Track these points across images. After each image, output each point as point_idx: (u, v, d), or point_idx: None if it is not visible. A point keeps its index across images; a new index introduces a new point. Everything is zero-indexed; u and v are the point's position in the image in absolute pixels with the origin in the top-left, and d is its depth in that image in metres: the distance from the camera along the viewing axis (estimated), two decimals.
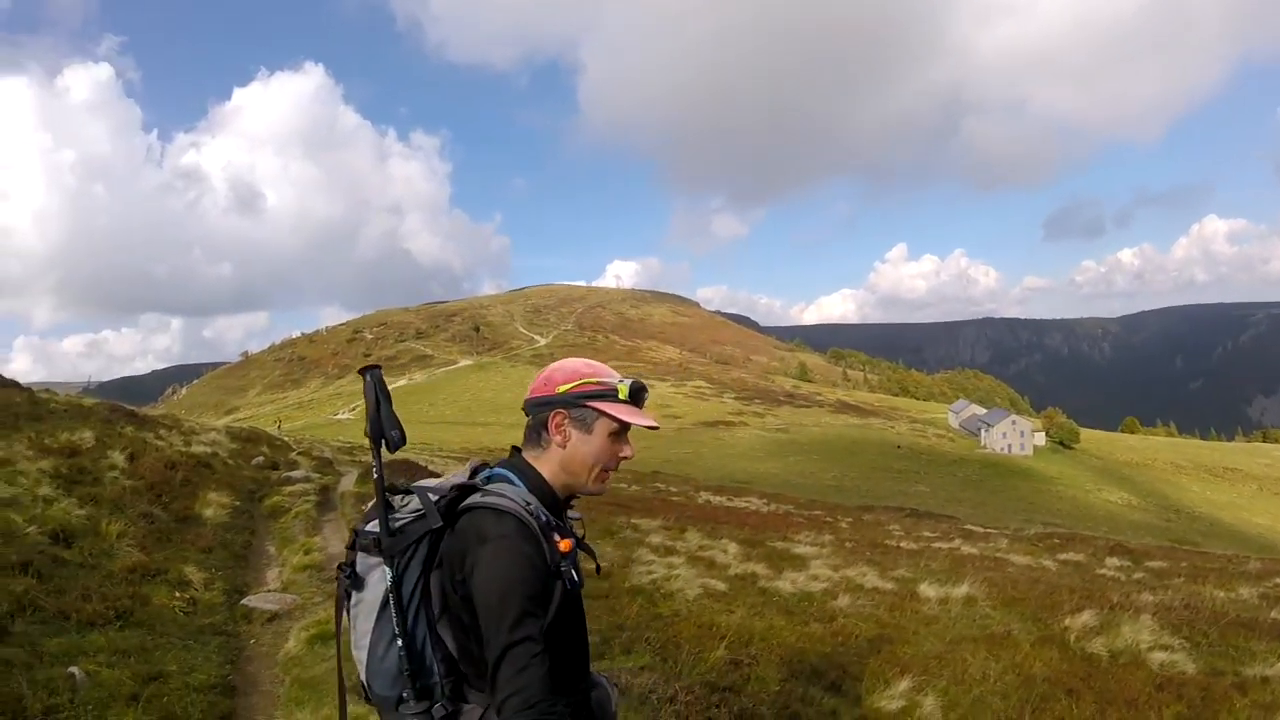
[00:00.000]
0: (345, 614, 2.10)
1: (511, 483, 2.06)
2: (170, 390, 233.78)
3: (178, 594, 6.87)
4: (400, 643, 1.94)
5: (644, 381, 2.16)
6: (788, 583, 11.10)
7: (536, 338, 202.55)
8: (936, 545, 19.25)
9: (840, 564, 13.41)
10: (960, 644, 8.20)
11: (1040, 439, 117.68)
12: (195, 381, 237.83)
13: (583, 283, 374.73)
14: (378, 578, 1.99)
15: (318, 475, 18.60)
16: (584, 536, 2.14)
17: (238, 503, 12.16)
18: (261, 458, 20.05)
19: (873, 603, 10.12)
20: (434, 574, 1.98)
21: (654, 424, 2.14)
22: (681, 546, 13.72)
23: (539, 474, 2.09)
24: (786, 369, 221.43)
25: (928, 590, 10.89)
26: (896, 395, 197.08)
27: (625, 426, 2.10)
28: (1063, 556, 18.38)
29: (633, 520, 16.72)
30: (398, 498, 2.07)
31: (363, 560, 2.03)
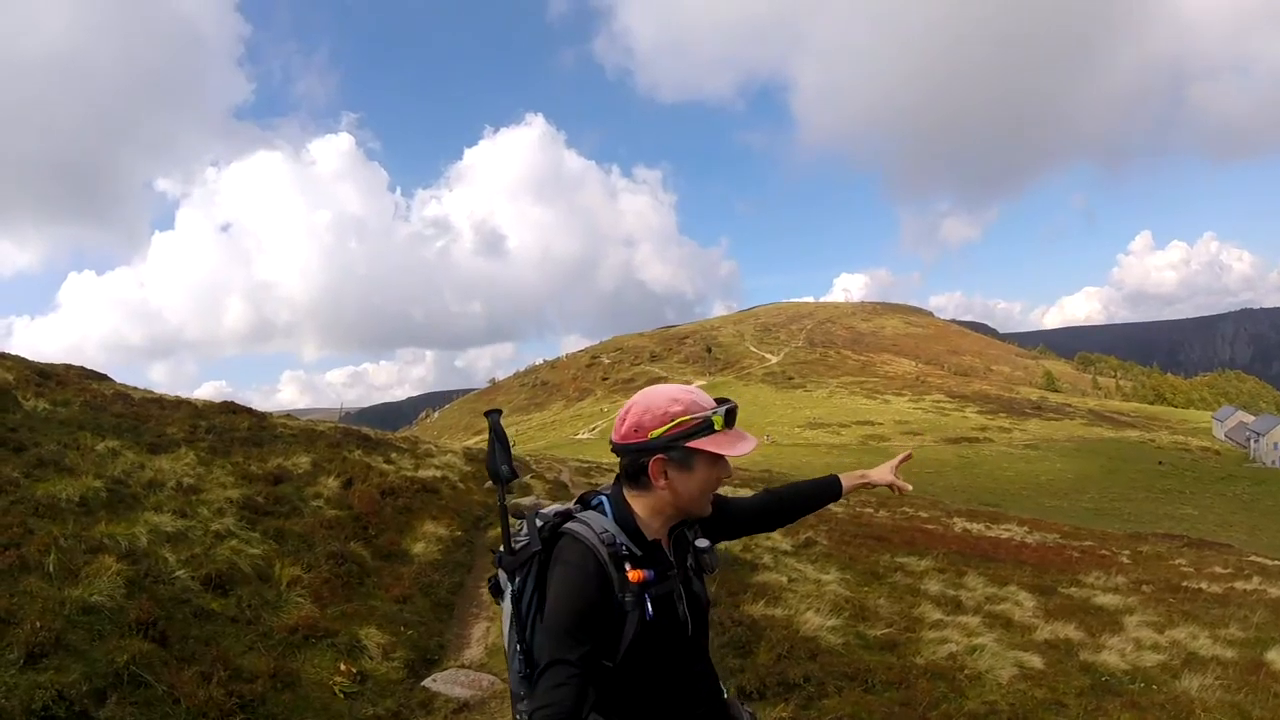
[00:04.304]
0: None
1: (605, 512, 2.13)
2: (424, 414, 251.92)
3: (343, 666, 5.33)
4: (519, 648, 2.10)
5: (734, 402, 2.18)
6: (1114, 654, 9.11)
7: (768, 356, 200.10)
8: (1238, 586, 17.61)
9: (1159, 621, 11.62)
10: None
11: None
12: (447, 406, 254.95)
13: (810, 298, 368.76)
14: (510, 590, 2.17)
15: (548, 502, 17.51)
16: (714, 567, 2.28)
17: (459, 533, 10.93)
18: None
19: (1220, 681, 8.18)
20: (545, 589, 2.04)
21: (750, 449, 2.11)
22: (967, 598, 11.65)
23: (628, 506, 2.13)
24: (1031, 378, 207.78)
25: (1278, 660, 9.43)
26: (1153, 403, 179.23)
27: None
28: None
29: (897, 559, 14.55)
30: (521, 522, 2.21)
31: (500, 574, 2.23)
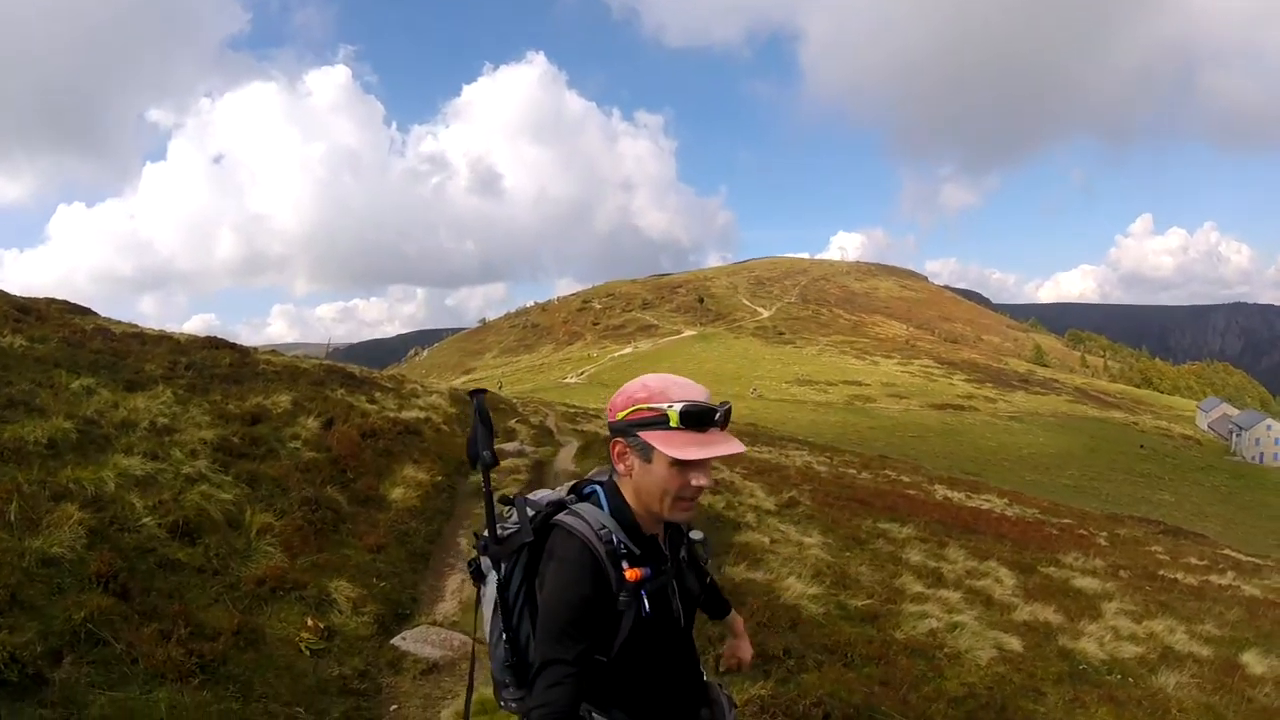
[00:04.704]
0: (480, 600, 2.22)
1: (599, 503, 2.06)
2: (413, 352, 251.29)
3: (310, 621, 5.12)
4: (505, 637, 2.05)
5: (705, 404, 1.98)
6: (1092, 642, 9.19)
7: (760, 310, 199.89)
8: (1213, 580, 17.70)
9: (1137, 610, 11.63)
10: None
11: None
12: (436, 344, 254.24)
13: (806, 255, 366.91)
14: (494, 577, 2.11)
15: (533, 448, 17.37)
16: (706, 560, 2.32)
17: (440, 478, 10.74)
18: None
19: (1196, 680, 8.25)
20: (535, 580, 2.00)
21: (704, 456, 1.94)
22: (948, 571, 11.70)
23: (622, 497, 2.05)
24: (1020, 350, 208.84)
25: (1254, 664, 9.31)
26: (1139, 386, 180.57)
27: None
28: None
29: (879, 524, 14.50)
30: (509, 508, 2.16)
31: (484, 559, 2.16)
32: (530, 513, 2.07)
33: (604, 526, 1.97)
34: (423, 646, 5.33)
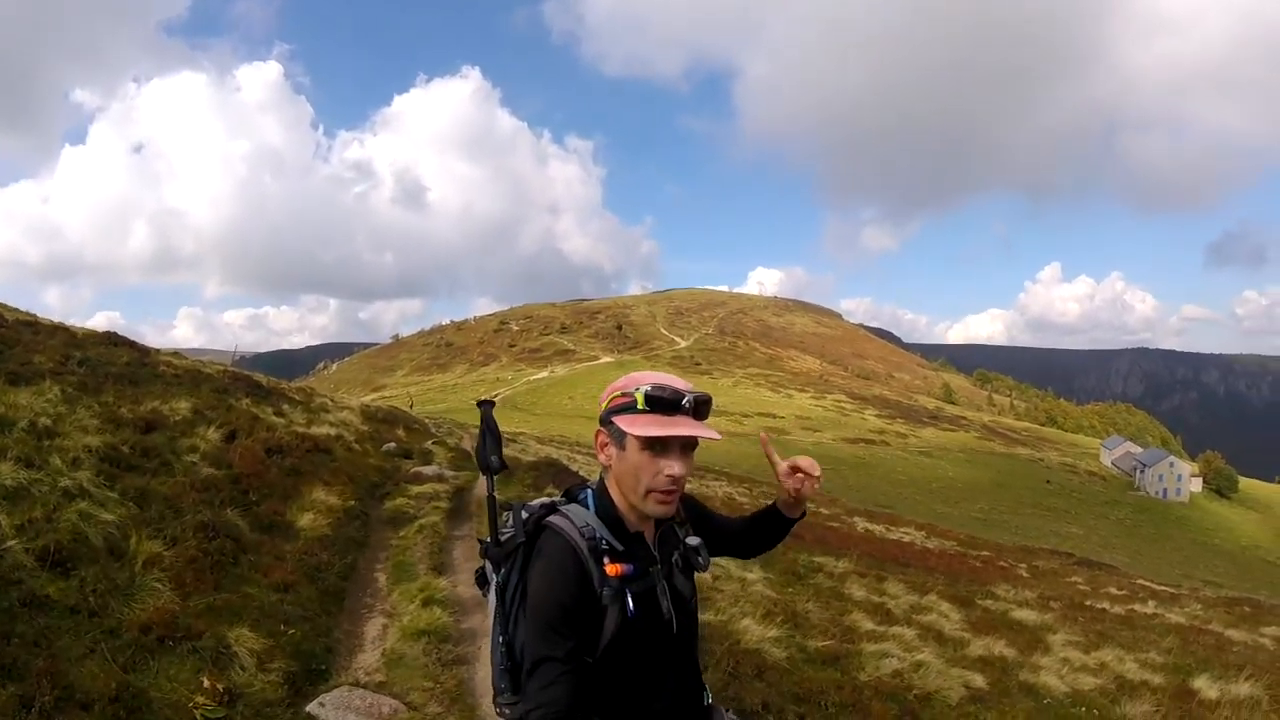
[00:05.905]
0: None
1: (587, 504, 2.08)
2: (322, 365, 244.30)
3: (206, 681, 4.16)
4: (502, 640, 2.03)
5: (671, 387, 1.99)
6: (1052, 675, 8.95)
7: (677, 340, 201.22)
8: (1137, 609, 18.05)
9: (1083, 641, 11.57)
10: None
11: (1196, 484, 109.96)
12: (347, 359, 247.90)
13: (725, 288, 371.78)
14: (495, 582, 2.14)
15: (453, 473, 16.40)
16: (706, 566, 2.17)
17: (352, 502, 9.77)
18: (394, 444, 18.00)
19: (1159, 710, 8.07)
20: (528, 582, 1.99)
21: (664, 433, 1.93)
22: (894, 607, 11.46)
23: (608, 496, 2.06)
24: (930, 388, 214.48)
25: (1206, 688, 9.30)
26: (1044, 425, 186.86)
27: (655, 440, 1.94)
28: (1269, 631, 16.34)
29: (814, 558, 14.11)
30: (508, 514, 2.15)
31: (487, 564, 2.19)
32: (524, 516, 2.08)
33: (587, 524, 1.99)
34: (345, 715, 4.36)
